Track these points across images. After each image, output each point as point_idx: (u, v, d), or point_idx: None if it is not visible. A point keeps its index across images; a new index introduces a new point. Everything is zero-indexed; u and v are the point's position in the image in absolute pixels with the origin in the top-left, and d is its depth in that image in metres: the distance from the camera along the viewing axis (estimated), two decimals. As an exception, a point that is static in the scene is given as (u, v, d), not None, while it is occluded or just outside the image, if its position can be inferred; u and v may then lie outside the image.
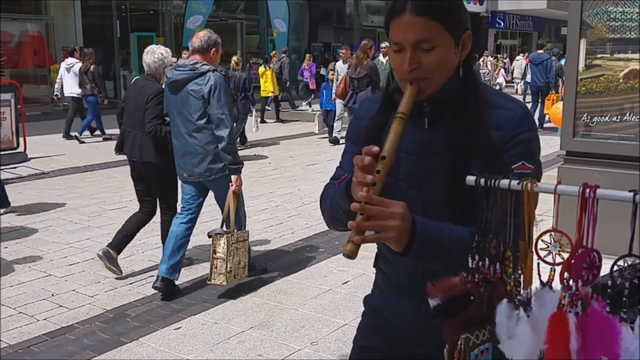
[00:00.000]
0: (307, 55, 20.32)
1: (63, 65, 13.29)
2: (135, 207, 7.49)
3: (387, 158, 1.42)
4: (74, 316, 4.45)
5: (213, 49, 4.80)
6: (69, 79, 12.99)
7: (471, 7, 31.54)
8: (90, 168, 10.06)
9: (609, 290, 1.27)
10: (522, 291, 1.37)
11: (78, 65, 12.75)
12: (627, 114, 5.41)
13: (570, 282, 1.27)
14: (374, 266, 1.86)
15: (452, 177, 1.54)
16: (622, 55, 5.41)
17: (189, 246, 6.02)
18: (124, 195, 8.11)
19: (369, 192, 1.39)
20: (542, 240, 1.37)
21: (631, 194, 1.25)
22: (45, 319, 4.40)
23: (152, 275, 5.21)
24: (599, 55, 5.50)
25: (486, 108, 1.57)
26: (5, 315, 4.44)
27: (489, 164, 1.51)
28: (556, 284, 1.36)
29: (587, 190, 1.30)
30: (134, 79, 5.73)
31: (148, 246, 6.02)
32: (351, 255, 1.36)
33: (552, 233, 1.38)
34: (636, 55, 5.33)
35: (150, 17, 20.25)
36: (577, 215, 1.31)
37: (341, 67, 11.95)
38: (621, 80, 5.39)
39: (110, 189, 8.54)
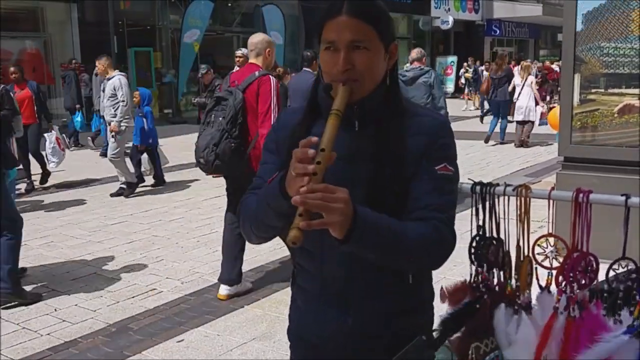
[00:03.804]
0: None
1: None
2: (135, 221, 7.53)
3: (325, 150, 1.41)
4: (77, 331, 4.46)
5: (424, 58, 7.99)
6: None
7: (467, 16, 31.67)
8: (91, 183, 10.07)
9: (605, 295, 1.29)
10: (520, 296, 1.39)
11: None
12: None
13: (565, 285, 1.30)
14: (291, 287, 1.84)
15: (377, 184, 1.58)
16: (616, 90, 5.46)
17: (195, 257, 6.04)
18: (125, 210, 8.13)
19: (310, 183, 1.37)
20: (539, 246, 1.40)
21: (623, 198, 1.28)
22: (48, 334, 4.41)
23: (154, 289, 5.23)
24: (593, 90, 5.56)
25: (410, 116, 1.64)
26: (8, 331, 4.45)
27: (414, 169, 1.58)
28: (554, 288, 1.38)
29: (581, 195, 1.32)
30: None
31: (149, 260, 6.03)
32: (296, 241, 1.34)
33: (549, 238, 1.41)
34: (630, 90, 5.38)
35: (147, 32, 20.26)
36: (571, 219, 1.33)
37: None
38: (616, 115, 5.42)
39: (111, 204, 8.55)
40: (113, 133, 8.71)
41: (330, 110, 1.50)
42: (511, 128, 13.57)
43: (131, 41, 19.31)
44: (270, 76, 4.86)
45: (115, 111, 8.73)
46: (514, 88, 13.34)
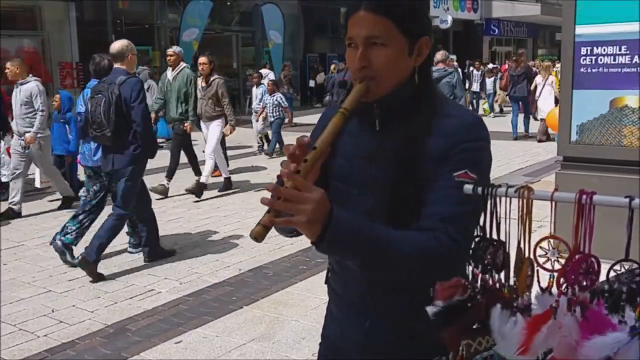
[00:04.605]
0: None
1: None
2: (134, 221, 7.50)
3: (317, 148, 1.39)
4: (74, 332, 4.44)
5: (448, 59, 8.81)
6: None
7: (465, 15, 31.67)
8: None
9: (606, 295, 1.28)
10: (518, 299, 1.37)
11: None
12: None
13: (566, 287, 1.28)
14: (325, 283, 1.82)
15: (395, 185, 1.52)
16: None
17: (193, 257, 6.02)
18: (123, 210, 8.10)
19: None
20: (541, 247, 1.37)
21: (627, 200, 1.25)
22: (45, 336, 4.39)
23: (152, 289, 5.21)
24: None
25: (435, 117, 1.55)
26: (5, 333, 4.43)
27: (433, 173, 1.50)
28: (555, 290, 1.36)
29: (584, 196, 1.30)
30: None
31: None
32: (257, 237, 1.31)
33: (550, 240, 1.39)
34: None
35: (145, 31, 20.24)
36: (573, 221, 1.31)
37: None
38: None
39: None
40: (29, 146, 7.73)
41: (339, 108, 1.47)
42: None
43: (130, 40, 19.26)
44: None
45: (29, 120, 7.70)
46: (535, 86, 13.96)
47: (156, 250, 6.02)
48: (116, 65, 5.78)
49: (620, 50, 5.38)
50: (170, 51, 9.00)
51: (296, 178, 1.34)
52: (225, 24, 22.88)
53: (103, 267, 5.78)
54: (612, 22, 5.38)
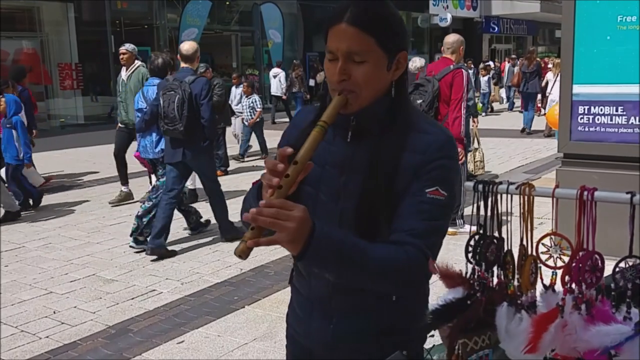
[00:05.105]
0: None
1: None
2: (132, 221, 7.49)
3: (299, 163, 1.39)
4: (76, 333, 4.43)
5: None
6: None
7: (465, 13, 31.66)
8: (89, 184, 10.05)
9: (612, 293, 1.27)
10: (523, 296, 1.37)
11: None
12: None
13: (572, 285, 1.27)
14: (289, 283, 1.83)
15: (365, 196, 1.53)
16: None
17: (194, 257, 6.02)
18: (123, 210, 8.10)
19: (273, 195, 1.37)
20: (543, 244, 1.37)
21: (628, 195, 1.25)
22: (47, 337, 4.38)
23: (154, 290, 5.20)
24: None
25: (410, 131, 1.56)
26: (7, 334, 4.42)
27: (404, 187, 1.51)
28: (559, 287, 1.36)
29: (585, 192, 1.30)
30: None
31: (148, 260, 6.00)
32: (242, 255, 1.33)
33: (552, 236, 1.38)
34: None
35: (144, 31, 20.23)
36: (576, 218, 1.31)
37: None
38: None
39: (109, 204, 8.52)
40: None
41: (318, 121, 1.47)
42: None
43: (129, 40, 18.98)
44: (463, 69, 6.29)
45: None
46: (546, 83, 14.25)
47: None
48: (185, 65, 6.23)
49: (617, 110, 5.45)
50: (122, 49, 8.27)
51: (275, 200, 1.35)
52: (225, 24, 22.87)
53: (104, 269, 5.79)
54: (609, 83, 5.44)
